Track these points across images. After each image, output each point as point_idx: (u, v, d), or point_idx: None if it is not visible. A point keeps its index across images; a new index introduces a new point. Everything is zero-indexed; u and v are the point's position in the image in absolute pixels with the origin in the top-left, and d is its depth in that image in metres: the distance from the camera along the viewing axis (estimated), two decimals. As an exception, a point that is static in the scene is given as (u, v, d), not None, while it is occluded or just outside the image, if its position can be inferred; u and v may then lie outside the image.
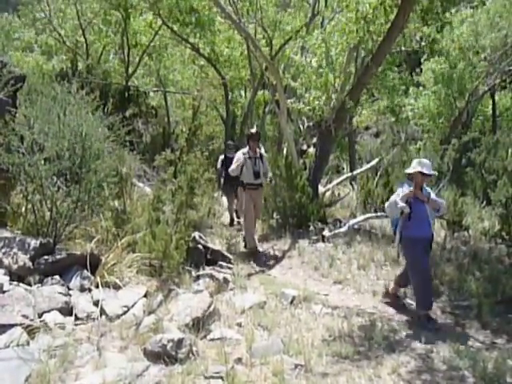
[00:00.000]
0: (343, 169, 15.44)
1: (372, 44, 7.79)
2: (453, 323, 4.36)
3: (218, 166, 8.00)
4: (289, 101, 7.95)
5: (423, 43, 12.54)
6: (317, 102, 7.24)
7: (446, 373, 3.40)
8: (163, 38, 12.26)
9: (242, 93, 13.68)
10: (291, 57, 8.30)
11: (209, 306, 3.86)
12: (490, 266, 5.55)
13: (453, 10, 12.47)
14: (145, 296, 4.08)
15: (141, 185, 8.00)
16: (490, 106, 14.65)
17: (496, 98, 14.56)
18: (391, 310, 4.59)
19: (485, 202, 8.50)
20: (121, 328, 3.53)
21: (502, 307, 4.56)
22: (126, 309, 3.81)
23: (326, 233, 6.39)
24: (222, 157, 8.03)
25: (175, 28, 11.26)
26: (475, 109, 14.43)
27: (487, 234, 6.41)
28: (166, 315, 3.78)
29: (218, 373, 3.10)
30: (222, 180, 7.77)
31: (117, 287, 4.06)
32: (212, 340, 3.60)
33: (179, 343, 3.26)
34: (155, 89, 13.44)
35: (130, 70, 12.26)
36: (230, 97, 12.38)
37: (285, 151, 8.66)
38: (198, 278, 4.83)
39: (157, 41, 12.05)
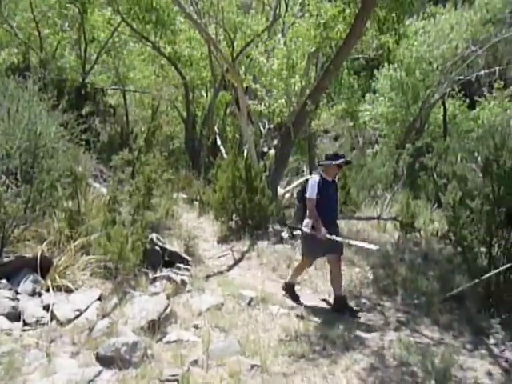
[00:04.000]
0: (303, 171, 15.69)
1: (331, 50, 7.98)
2: (405, 321, 4.52)
3: (312, 194, 4.48)
4: (250, 102, 7.99)
5: (380, 51, 12.98)
6: (276, 105, 7.33)
7: (397, 369, 3.53)
8: (122, 35, 11.98)
9: (203, 93, 13.61)
10: (255, 58, 8.33)
11: (165, 309, 3.81)
12: (439, 265, 5.80)
13: (407, 22, 13.02)
14: (99, 299, 3.98)
15: (97, 185, 7.76)
16: (442, 114, 15.34)
17: (447, 105, 15.26)
18: (346, 310, 4.69)
19: (436, 205, 8.87)
20: (72, 333, 3.43)
21: (450, 304, 4.77)
22: (78, 313, 3.70)
23: (285, 234, 6.47)
24: (317, 178, 4.56)
25: (135, 25, 11.05)
26: (428, 116, 15.07)
27: (437, 235, 6.70)
28: (120, 318, 3.70)
29: (173, 376, 3.07)
30: (310, 223, 4.53)
31: (69, 291, 3.94)
32: (168, 343, 3.56)
33: (133, 346, 3.20)
34: (114, 87, 13.11)
35: (87, 66, 11.90)
36: (190, 97, 12.28)
37: (245, 153, 8.68)
38: (154, 280, 4.76)
39: (116, 37, 11.76)
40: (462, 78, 14.47)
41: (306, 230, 4.60)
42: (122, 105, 12.85)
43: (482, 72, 15.08)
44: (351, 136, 16.41)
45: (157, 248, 5.31)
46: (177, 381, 3.02)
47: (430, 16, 14.28)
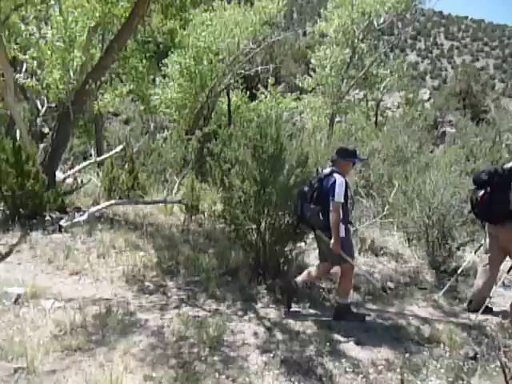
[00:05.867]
0: (91, 155, 14.75)
1: (115, 27, 7.63)
2: (185, 298, 4.75)
3: (341, 197, 4.19)
4: (18, 76, 6.99)
5: (169, 37, 13.13)
6: (51, 80, 6.61)
7: (176, 343, 3.68)
8: None
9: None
10: (20, 26, 7.29)
11: None
12: (219, 243, 6.28)
13: (194, 11, 13.49)
14: None
15: None
16: (226, 103, 16.55)
17: (231, 96, 16.54)
18: (129, 294, 4.66)
19: (221, 188, 9.53)
20: None
21: (227, 278, 5.23)
22: None
23: (64, 222, 5.98)
24: (342, 178, 4.26)
25: None
26: (215, 104, 16.04)
27: (219, 216, 7.24)
28: None
29: None
30: (343, 228, 4.29)
31: None
32: None
33: None
34: None
35: None
36: None
37: (18, 133, 7.63)
38: None
39: None
40: (243, 71, 15.88)
41: (342, 234, 4.25)
42: None
43: (260, 68, 16.89)
44: (142, 120, 16.22)
45: None
46: None
47: (215, 9, 15.10)
